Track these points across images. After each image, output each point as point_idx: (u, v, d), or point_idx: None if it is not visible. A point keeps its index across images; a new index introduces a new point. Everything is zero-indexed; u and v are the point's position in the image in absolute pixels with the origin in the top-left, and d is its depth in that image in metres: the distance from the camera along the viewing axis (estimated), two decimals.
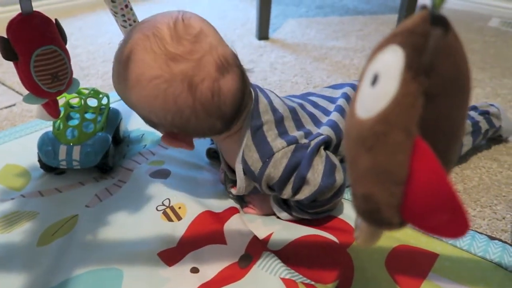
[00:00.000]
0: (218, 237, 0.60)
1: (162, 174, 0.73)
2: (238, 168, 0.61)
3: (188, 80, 0.51)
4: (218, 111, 0.54)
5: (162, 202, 0.66)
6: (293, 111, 0.64)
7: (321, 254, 0.59)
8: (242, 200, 0.69)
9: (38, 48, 0.53)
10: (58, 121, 0.72)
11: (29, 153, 0.76)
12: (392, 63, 0.26)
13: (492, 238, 0.62)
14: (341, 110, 0.68)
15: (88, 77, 1.17)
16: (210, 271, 0.56)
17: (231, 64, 0.54)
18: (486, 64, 1.31)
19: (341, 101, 0.70)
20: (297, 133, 0.61)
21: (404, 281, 0.56)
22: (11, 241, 0.60)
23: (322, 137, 0.61)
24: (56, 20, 0.57)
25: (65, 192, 0.70)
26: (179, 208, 0.64)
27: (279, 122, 0.60)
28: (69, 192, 0.70)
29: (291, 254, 0.58)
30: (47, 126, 0.87)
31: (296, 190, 0.58)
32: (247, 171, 0.60)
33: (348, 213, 0.66)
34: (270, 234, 0.62)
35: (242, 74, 0.55)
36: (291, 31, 1.55)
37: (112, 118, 0.79)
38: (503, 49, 1.45)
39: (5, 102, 1.02)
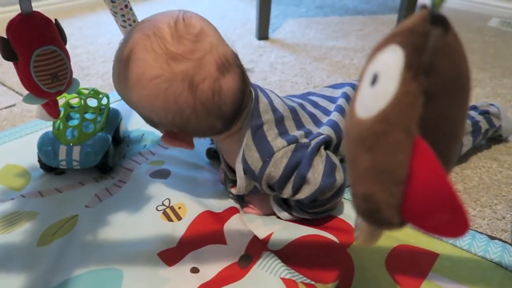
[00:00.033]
0: (218, 237, 0.60)
1: (162, 174, 0.73)
2: (238, 168, 0.61)
3: (188, 79, 0.51)
4: (218, 111, 0.54)
5: (162, 202, 0.66)
6: (293, 110, 0.64)
7: (321, 254, 0.59)
8: (242, 200, 0.69)
9: (38, 48, 0.53)
10: (58, 121, 0.72)
11: (29, 153, 0.76)
12: (392, 62, 0.26)
13: (492, 237, 0.62)
14: (341, 110, 0.68)
15: (88, 77, 1.17)
16: (210, 271, 0.56)
17: (232, 64, 0.54)
18: (486, 64, 1.31)
19: (341, 101, 0.70)
20: (297, 133, 0.61)
21: (404, 281, 0.56)
22: (11, 241, 0.60)
23: (322, 136, 0.61)
24: (56, 20, 0.57)
25: (65, 192, 0.70)
26: (179, 208, 0.64)
27: (279, 121, 0.60)
28: (69, 192, 0.70)
29: (291, 254, 0.58)
30: (47, 126, 0.87)
31: (296, 190, 0.58)
32: (247, 170, 0.60)
33: (348, 213, 0.66)
34: (270, 234, 0.62)
35: (242, 74, 0.55)
36: (291, 31, 1.55)
37: (112, 118, 0.79)
38: (503, 49, 1.45)
39: (5, 102, 1.02)
